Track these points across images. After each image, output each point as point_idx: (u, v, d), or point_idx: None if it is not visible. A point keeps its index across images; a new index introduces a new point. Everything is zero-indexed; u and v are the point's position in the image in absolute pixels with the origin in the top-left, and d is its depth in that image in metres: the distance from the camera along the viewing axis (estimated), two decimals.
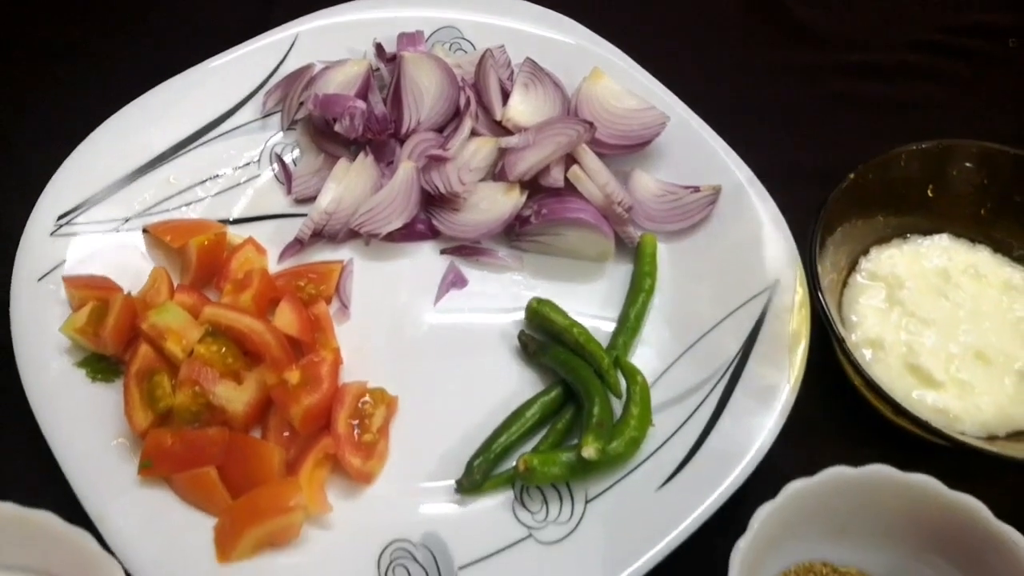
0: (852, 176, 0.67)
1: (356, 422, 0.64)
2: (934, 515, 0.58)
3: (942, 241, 0.73)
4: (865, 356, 0.68)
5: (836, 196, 0.67)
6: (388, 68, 0.81)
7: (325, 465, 0.63)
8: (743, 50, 0.91)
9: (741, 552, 0.55)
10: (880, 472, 0.58)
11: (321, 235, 0.74)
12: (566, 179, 0.74)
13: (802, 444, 0.66)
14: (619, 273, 0.75)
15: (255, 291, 0.67)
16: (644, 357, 0.70)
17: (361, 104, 0.76)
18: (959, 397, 0.66)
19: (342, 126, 0.75)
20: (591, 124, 0.74)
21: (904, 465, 0.62)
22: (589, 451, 0.61)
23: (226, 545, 0.59)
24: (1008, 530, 0.55)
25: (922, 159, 0.69)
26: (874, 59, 0.90)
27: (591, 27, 0.85)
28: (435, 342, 0.71)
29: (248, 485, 0.61)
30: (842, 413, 0.69)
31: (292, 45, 0.84)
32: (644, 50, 0.85)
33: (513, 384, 0.69)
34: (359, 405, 0.65)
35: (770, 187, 0.75)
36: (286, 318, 0.66)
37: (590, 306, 0.73)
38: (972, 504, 0.57)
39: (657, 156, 0.79)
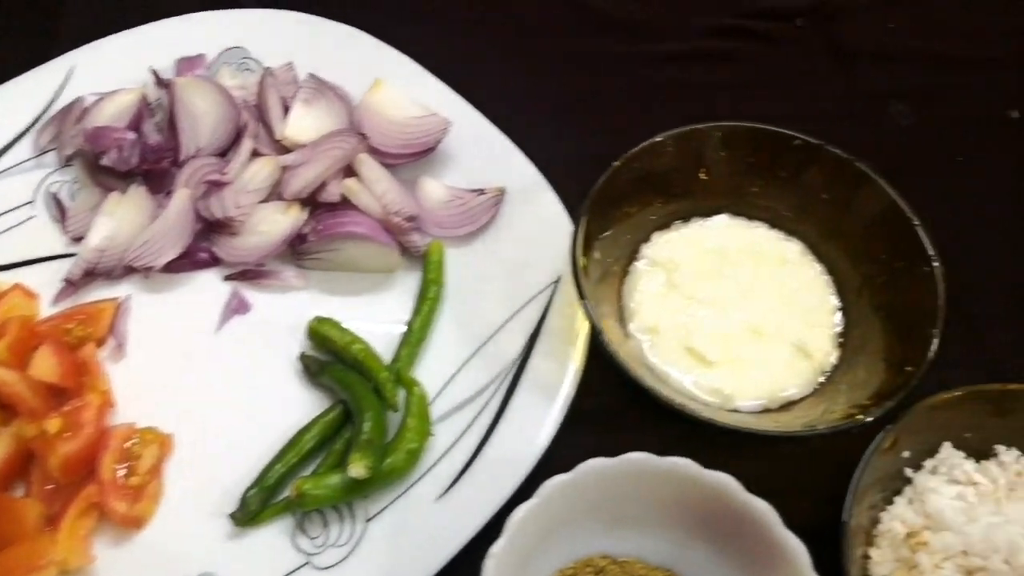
0: (613, 168, 0.68)
1: (123, 465, 0.62)
2: (695, 496, 0.58)
3: (721, 221, 0.74)
4: (643, 343, 0.68)
5: (598, 189, 0.67)
6: (167, 95, 0.79)
7: (91, 514, 0.61)
8: (539, 42, 0.90)
9: (495, 558, 0.54)
10: (636, 460, 0.58)
11: (96, 273, 0.72)
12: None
13: (588, 435, 0.66)
14: (411, 282, 0.74)
15: (11, 340, 0.64)
16: (431, 366, 0.69)
17: (131, 135, 0.74)
18: (734, 374, 0.67)
19: (111, 159, 0.73)
20: (363, 136, 0.73)
21: (689, 444, 0.63)
22: (357, 469, 0.60)
23: None
24: (757, 502, 0.56)
25: (681, 145, 0.70)
26: (670, 46, 0.90)
27: (385, 36, 0.84)
28: (216, 372, 0.69)
29: (2, 545, 0.58)
30: (628, 401, 0.70)
31: (68, 76, 0.81)
32: (441, 53, 0.84)
33: (297, 408, 0.67)
34: (126, 447, 0.63)
35: (568, 178, 0.75)
36: (44, 365, 0.64)
37: (382, 318, 0.72)
38: (725, 481, 0.57)
39: (446, 161, 0.78)
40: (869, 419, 0.57)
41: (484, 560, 0.53)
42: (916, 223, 0.65)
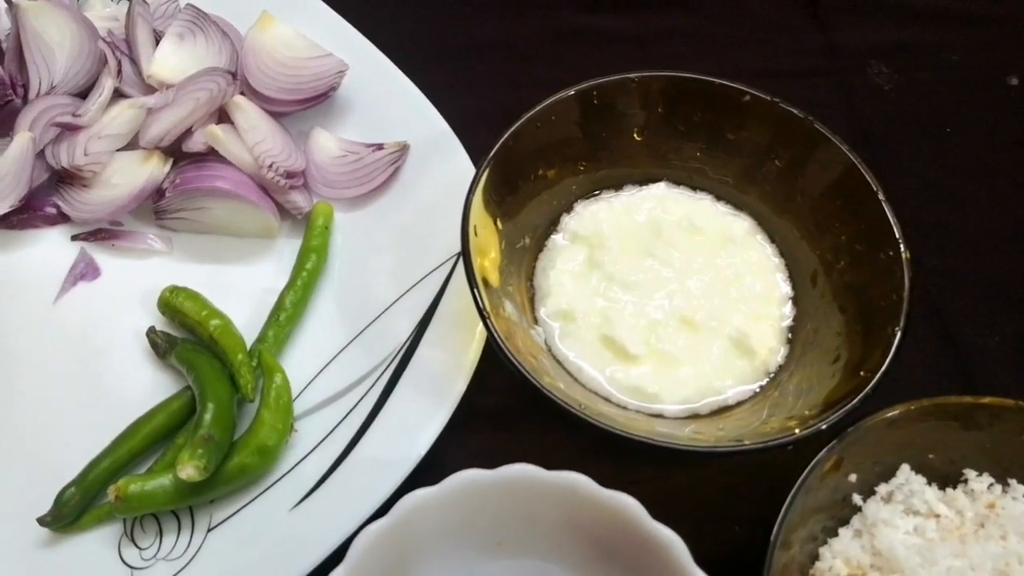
0: (523, 121, 0.56)
1: None
2: (590, 520, 0.48)
3: (658, 190, 0.63)
4: (554, 330, 0.58)
5: (503, 145, 0.55)
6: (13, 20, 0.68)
7: None
8: None
9: None
10: (518, 474, 0.47)
11: None
12: None
13: (482, 438, 0.56)
14: (294, 251, 0.63)
15: None
16: (304, 350, 0.59)
17: None
18: (658, 371, 0.56)
19: None
20: (234, 76, 0.62)
21: (601, 451, 0.54)
22: (187, 470, 0.50)
23: None
24: (663, 532, 0.45)
25: (607, 98, 0.58)
26: None
27: None
28: (52, 350, 0.59)
29: None
30: (530, 400, 0.58)
31: None
32: None
33: (142, 394, 0.57)
34: None
35: (483, 134, 0.60)
36: None
37: (255, 292, 0.61)
38: (626, 504, 0.46)
39: (344, 110, 0.67)
40: (804, 434, 0.47)
41: None
42: (881, 196, 0.54)
